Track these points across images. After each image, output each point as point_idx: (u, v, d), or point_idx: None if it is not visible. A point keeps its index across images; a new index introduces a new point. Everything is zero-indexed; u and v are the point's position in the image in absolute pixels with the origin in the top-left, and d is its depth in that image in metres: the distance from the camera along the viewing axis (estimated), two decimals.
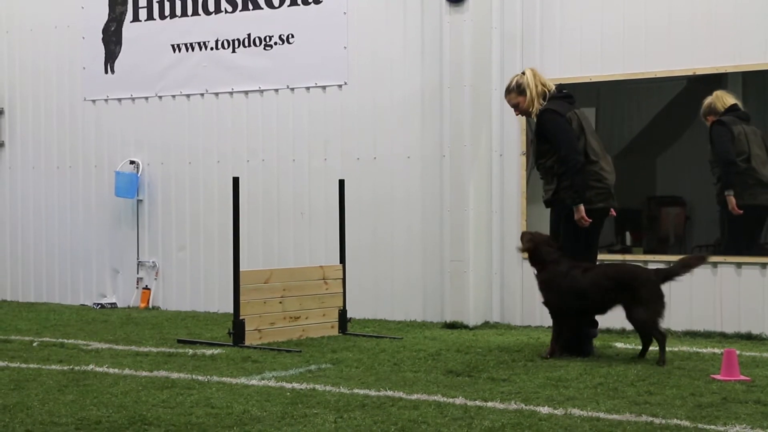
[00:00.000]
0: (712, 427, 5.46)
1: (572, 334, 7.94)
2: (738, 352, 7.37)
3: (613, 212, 8.32)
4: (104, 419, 5.74)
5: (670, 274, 7.83)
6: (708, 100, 9.37)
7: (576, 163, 7.91)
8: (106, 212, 12.44)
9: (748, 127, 9.33)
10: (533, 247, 8.08)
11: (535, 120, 8.23)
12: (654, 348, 7.78)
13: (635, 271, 7.84)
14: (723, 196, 9.32)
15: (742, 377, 6.88)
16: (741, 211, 9.24)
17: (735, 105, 9.33)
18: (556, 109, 8.04)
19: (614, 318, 9.57)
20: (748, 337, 9.08)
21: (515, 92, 8.23)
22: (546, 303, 8.03)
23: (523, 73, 8.25)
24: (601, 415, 5.77)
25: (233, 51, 11.61)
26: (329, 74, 11.05)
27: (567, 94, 8.28)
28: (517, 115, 8.52)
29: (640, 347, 8.19)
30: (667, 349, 7.64)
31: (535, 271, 8.14)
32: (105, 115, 12.44)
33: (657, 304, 7.65)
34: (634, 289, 7.64)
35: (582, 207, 7.91)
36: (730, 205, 9.26)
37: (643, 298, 7.61)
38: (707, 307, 9.33)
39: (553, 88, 8.21)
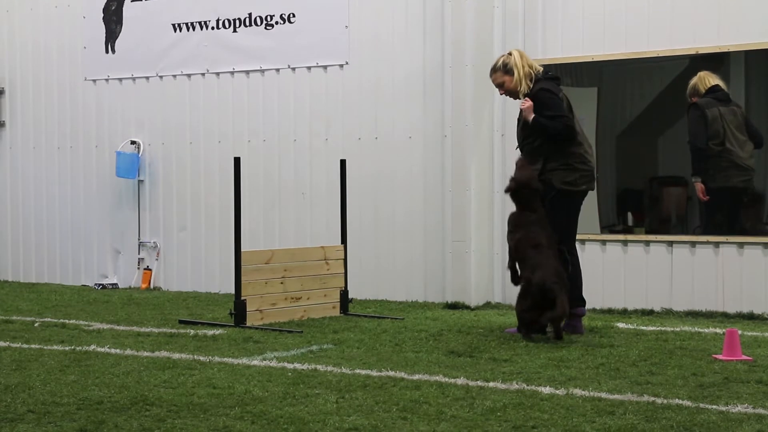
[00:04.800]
0: (714, 407, 5.46)
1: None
2: (740, 332, 7.36)
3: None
4: (106, 399, 5.74)
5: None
6: (692, 80, 9.41)
7: (576, 134, 8.02)
8: (107, 192, 12.43)
9: (726, 108, 9.30)
10: (514, 189, 8.06)
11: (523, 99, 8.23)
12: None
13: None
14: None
15: (744, 357, 6.88)
16: (707, 198, 9.29)
17: (716, 86, 9.32)
18: (549, 87, 8.09)
19: (615, 298, 9.61)
20: (750, 317, 9.08)
21: (501, 71, 8.26)
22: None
23: (510, 54, 8.27)
24: (603, 395, 5.77)
25: (234, 30, 11.56)
26: (330, 54, 11.01)
27: (554, 75, 8.33)
28: (501, 94, 8.54)
29: (643, 327, 8.22)
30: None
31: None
32: (106, 95, 12.41)
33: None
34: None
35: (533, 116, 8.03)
36: (698, 191, 9.33)
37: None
38: (709, 287, 9.31)
39: (540, 69, 8.25)
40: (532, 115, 8.03)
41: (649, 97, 10.45)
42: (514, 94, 8.30)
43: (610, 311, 9.50)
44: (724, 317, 9.12)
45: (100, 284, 12.20)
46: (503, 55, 8.36)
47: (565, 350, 7.26)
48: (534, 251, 7.75)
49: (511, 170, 10.10)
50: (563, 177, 8.01)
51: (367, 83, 10.82)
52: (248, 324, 8.64)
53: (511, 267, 8.01)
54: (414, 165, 10.58)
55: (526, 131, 8.17)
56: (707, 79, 9.33)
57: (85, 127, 12.56)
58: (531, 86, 8.13)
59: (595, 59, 9.79)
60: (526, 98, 8.10)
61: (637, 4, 9.66)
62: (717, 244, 9.29)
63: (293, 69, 11.24)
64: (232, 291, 8.90)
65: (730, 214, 9.53)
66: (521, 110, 8.20)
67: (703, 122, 9.30)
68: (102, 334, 8.38)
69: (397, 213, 10.68)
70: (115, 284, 12.24)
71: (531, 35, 10.06)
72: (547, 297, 7.52)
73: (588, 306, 8.45)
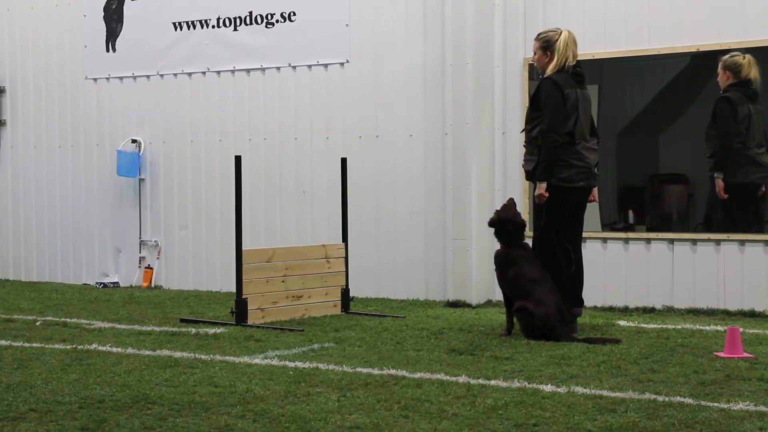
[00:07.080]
0: (716, 404, 5.46)
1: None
2: (741, 329, 7.36)
3: (594, 196, 8.28)
4: (107, 398, 5.74)
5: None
6: (738, 58, 9.13)
7: (553, 141, 7.91)
8: (108, 191, 12.43)
9: (754, 107, 9.23)
10: (497, 222, 8.10)
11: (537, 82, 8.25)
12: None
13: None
14: (713, 173, 9.33)
15: (746, 354, 6.88)
16: (726, 196, 9.23)
17: (750, 80, 9.18)
18: (558, 81, 8.00)
19: (616, 296, 9.61)
20: (752, 315, 9.08)
21: (540, 44, 8.18)
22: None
23: (560, 34, 8.11)
24: (604, 393, 5.77)
25: (235, 29, 11.56)
26: (331, 52, 11.01)
27: (579, 72, 8.18)
28: (532, 61, 8.50)
29: (644, 325, 8.21)
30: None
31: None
32: (106, 94, 12.41)
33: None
34: None
35: (545, 184, 7.94)
36: (717, 188, 9.26)
37: None
38: (710, 285, 9.31)
39: (574, 62, 8.13)
40: (544, 198, 7.98)
41: (649, 95, 10.43)
42: (539, 70, 8.29)
43: (611, 309, 9.50)
44: (726, 315, 9.12)
45: (101, 283, 12.20)
46: (554, 30, 8.21)
47: (566, 348, 7.25)
48: (533, 285, 7.72)
49: (510, 168, 10.18)
50: (557, 173, 7.96)
51: (367, 81, 10.82)
52: (249, 322, 8.65)
53: (508, 307, 7.93)
54: (415, 163, 10.58)
55: (527, 117, 8.19)
56: (751, 69, 9.10)
57: (86, 126, 12.56)
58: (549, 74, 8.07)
59: (595, 57, 9.79)
60: (539, 195, 7.98)
61: (637, 1, 9.65)
62: (718, 242, 9.29)
63: (294, 67, 11.24)
64: (234, 289, 8.90)
65: (746, 209, 9.46)
66: (531, 97, 8.17)
67: (733, 119, 9.22)
68: (103, 332, 8.38)
69: (398, 211, 10.67)
70: (117, 283, 12.24)
71: (531, 33, 9.98)
72: (551, 335, 7.56)
73: (589, 303, 8.44)
